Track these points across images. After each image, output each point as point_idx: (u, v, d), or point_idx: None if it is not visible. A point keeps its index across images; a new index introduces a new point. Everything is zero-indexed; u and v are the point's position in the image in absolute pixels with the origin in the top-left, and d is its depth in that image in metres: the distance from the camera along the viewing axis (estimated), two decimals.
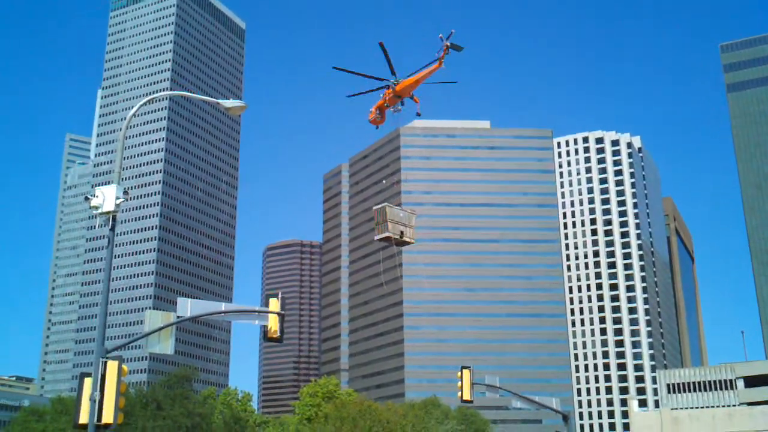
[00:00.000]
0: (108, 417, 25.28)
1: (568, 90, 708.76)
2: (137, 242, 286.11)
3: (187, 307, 29.45)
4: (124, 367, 26.13)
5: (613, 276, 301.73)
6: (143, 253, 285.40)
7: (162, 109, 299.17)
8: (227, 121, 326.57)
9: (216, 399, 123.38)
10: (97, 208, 27.56)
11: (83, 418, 25.46)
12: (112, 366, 25.83)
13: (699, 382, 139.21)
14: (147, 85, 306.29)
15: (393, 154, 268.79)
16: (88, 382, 25.83)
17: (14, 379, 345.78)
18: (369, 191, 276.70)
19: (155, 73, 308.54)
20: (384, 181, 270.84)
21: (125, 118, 32.16)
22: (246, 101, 31.78)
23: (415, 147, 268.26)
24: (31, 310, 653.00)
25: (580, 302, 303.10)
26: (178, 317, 28.83)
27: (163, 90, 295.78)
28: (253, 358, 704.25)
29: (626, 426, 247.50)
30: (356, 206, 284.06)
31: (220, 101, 31.69)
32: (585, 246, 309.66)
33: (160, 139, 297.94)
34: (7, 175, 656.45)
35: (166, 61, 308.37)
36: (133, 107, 31.34)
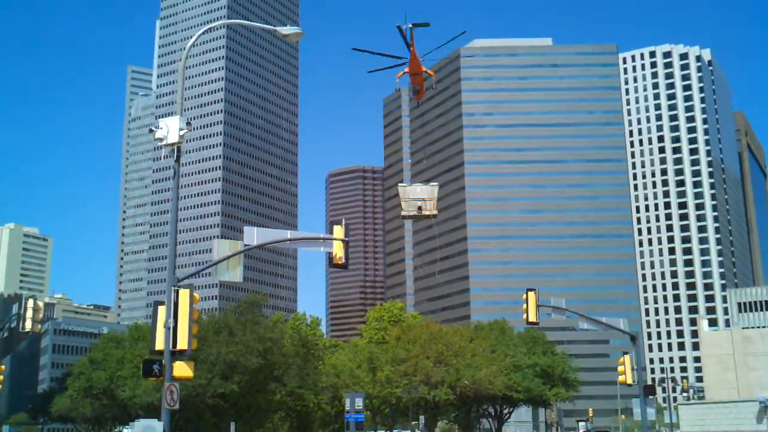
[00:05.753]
0: (182, 343, 25.91)
1: (633, 2, 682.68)
2: (202, 172, 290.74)
3: (254, 235, 29.59)
4: (196, 294, 26.57)
5: (682, 194, 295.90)
6: (208, 182, 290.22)
7: (220, 38, 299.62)
8: (286, 48, 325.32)
9: (285, 324, 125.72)
10: (161, 139, 27.63)
11: (159, 344, 26.16)
12: (184, 294, 26.32)
13: None
14: (204, 13, 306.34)
15: (453, 76, 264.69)
16: (161, 310, 26.43)
17: (92, 307, 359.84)
18: (429, 114, 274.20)
19: (212, 1, 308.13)
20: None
21: (184, 49, 31.76)
22: (303, 27, 31.23)
23: (475, 68, 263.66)
24: (105, 241, 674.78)
25: (648, 221, 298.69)
26: (245, 246, 29.08)
27: (220, 19, 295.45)
28: (320, 284, 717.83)
29: (695, 345, 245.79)
30: (417, 130, 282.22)
31: (277, 28, 31.24)
32: (653, 164, 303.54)
33: (219, 68, 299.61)
34: (74, 110, 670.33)
35: None
36: (191, 37, 31.44)
